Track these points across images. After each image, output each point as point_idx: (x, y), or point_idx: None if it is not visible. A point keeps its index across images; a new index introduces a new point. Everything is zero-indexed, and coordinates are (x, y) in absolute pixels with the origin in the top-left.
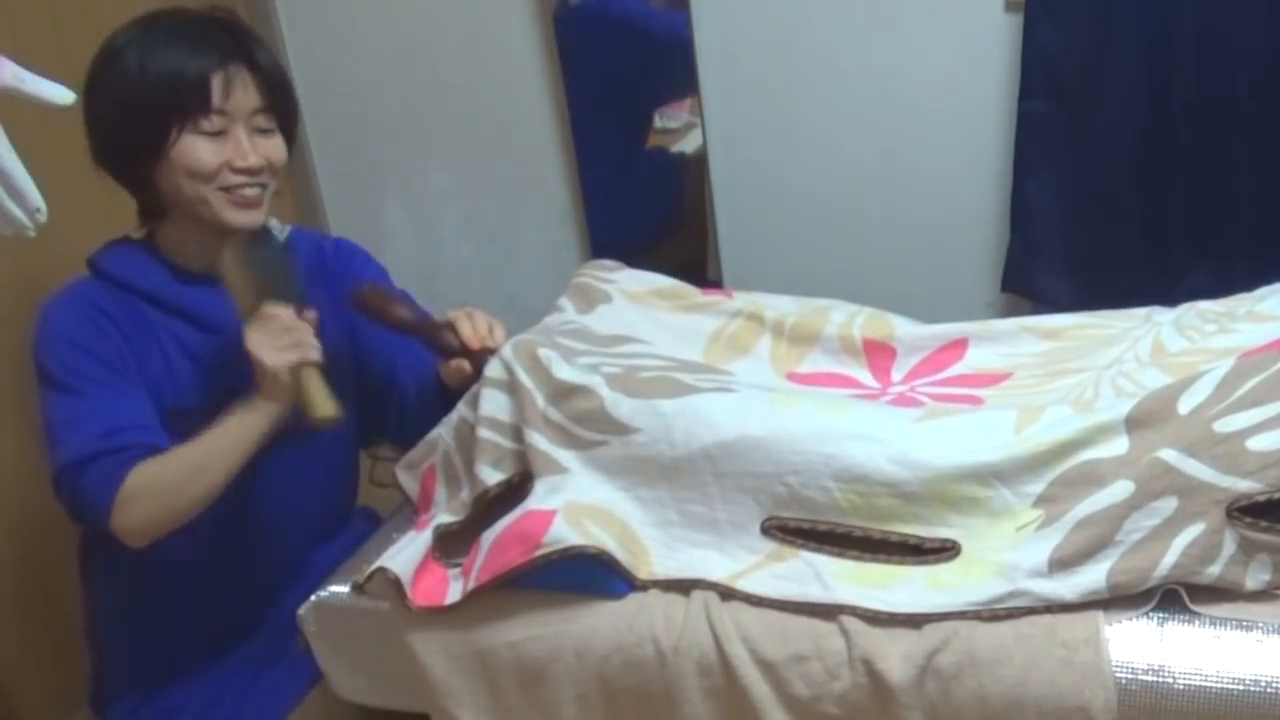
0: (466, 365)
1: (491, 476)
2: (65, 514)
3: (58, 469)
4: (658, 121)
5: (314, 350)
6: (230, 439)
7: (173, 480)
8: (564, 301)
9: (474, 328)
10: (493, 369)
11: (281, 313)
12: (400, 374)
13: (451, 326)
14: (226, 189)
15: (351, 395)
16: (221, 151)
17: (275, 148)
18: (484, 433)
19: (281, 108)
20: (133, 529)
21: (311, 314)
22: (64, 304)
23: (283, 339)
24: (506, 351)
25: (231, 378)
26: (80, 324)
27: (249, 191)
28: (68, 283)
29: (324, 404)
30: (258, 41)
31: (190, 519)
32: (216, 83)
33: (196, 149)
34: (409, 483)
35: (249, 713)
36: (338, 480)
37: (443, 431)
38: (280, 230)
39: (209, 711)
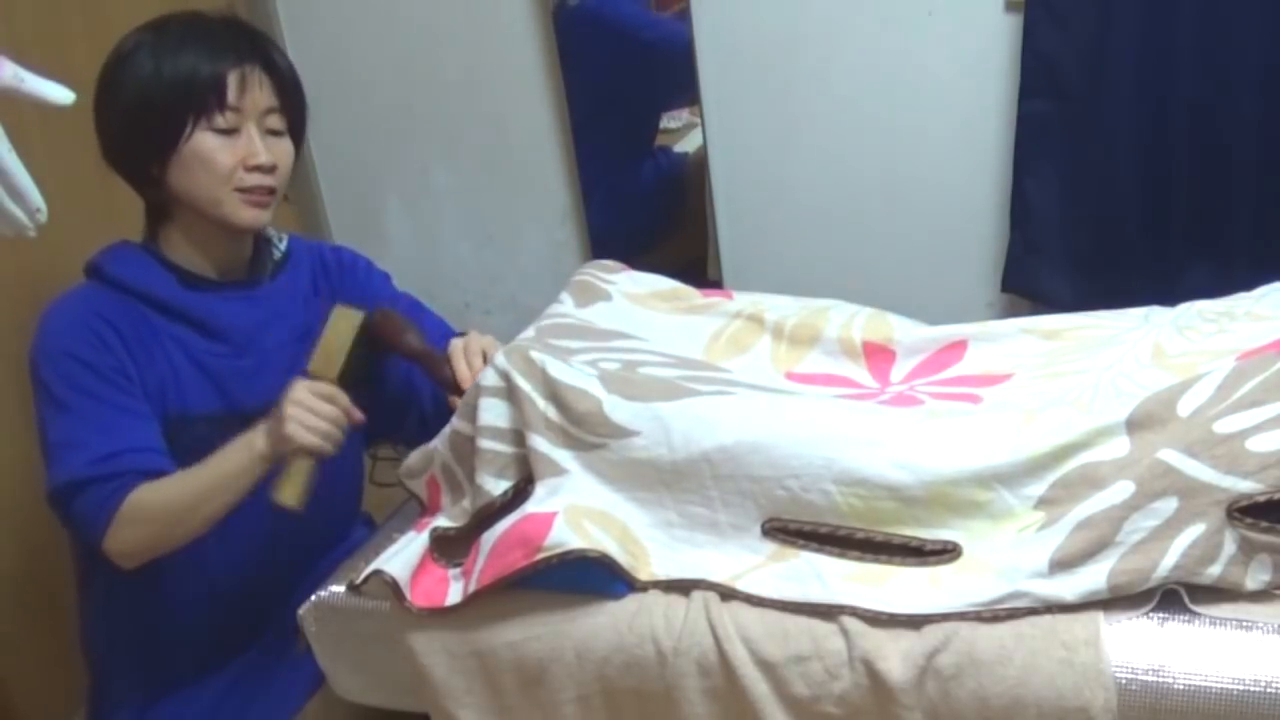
0: (456, 401)
1: (497, 486)
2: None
3: (52, 489)
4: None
5: (331, 448)
6: (229, 476)
7: (171, 510)
8: (564, 295)
9: (469, 366)
10: (487, 378)
11: (341, 401)
12: (418, 382)
13: (450, 360)
14: (242, 190)
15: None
16: (235, 150)
17: (285, 150)
18: (485, 443)
19: (293, 110)
20: (125, 553)
21: (359, 417)
22: (65, 312)
23: (320, 422)
24: (500, 359)
25: (235, 385)
26: (81, 336)
27: (262, 192)
28: (69, 289)
29: (294, 495)
30: (274, 44)
31: (184, 545)
32: (232, 80)
33: (210, 146)
34: (417, 487)
35: (254, 717)
36: (342, 490)
37: (438, 445)
38: (279, 239)
39: (212, 718)
